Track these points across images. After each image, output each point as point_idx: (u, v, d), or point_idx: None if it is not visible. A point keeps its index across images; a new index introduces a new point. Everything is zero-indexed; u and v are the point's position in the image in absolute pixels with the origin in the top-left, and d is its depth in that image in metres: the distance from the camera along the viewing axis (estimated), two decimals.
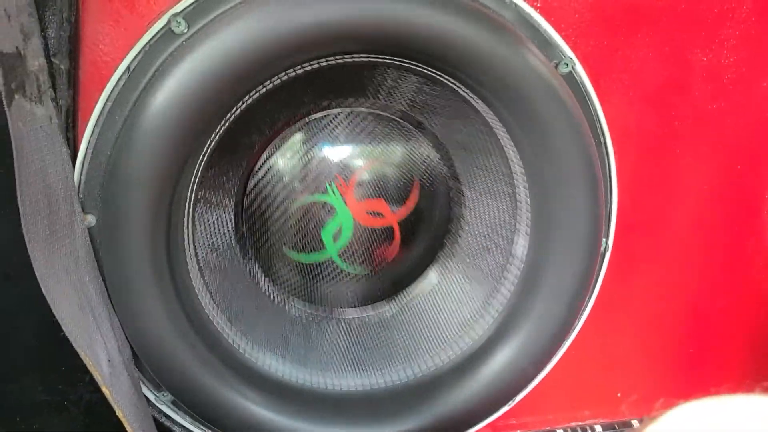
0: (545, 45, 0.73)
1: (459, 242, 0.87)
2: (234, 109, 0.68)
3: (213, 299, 0.77)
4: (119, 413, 0.67)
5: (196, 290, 0.74)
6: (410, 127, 0.83)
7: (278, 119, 0.78)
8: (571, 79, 0.75)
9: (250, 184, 0.80)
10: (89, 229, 0.67)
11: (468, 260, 0.86)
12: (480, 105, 0.73)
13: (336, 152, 0.81)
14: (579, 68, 0.76)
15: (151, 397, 0.76)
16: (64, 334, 0.63)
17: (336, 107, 0.80)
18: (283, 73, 0.67)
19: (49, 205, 0.62)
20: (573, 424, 1.01)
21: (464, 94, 0.72)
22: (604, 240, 0.82)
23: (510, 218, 0.80)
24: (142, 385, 0.75)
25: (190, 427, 0.79)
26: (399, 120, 0.82)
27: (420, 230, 0.86)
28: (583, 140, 0.71)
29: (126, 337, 0.69)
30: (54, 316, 0.62)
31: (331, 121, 0.80)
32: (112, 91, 0.65)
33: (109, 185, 0.64)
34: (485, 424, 0.82)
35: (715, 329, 1.01)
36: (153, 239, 0.65)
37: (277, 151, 0.80)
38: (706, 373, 1.04)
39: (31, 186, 0.60)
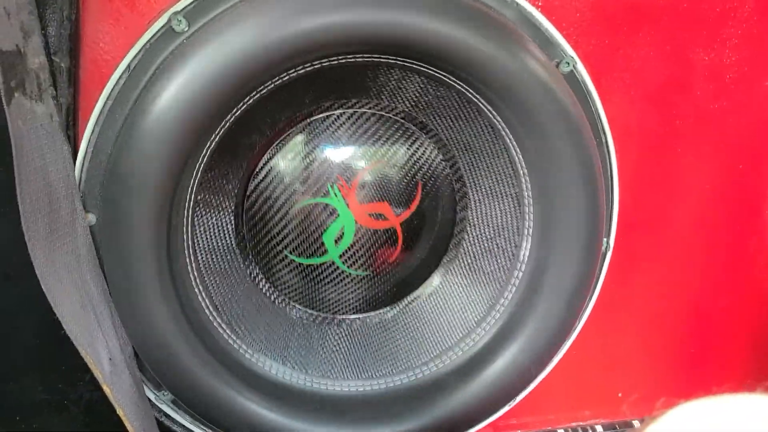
0: (546, 44, 0.73)
1: (462, 244, 0.86)
2: (235, 109, 0.68)
3: (213, 301, 0.76)
4: (120, 412, 0.67)
5: (196, 292, 0.74)
6: (414, 128, 0.82)
7: (279, 120, 0.78)
8: (572, 78, 0.75)
9: (251, 186, 0.79)
10: (90, 227, 0.67)
11: (471, 262, 0.86)
12: (484, 105, 0.72)
13: (338, 154, 0.81)
14: (580, 67, 0.76)
15: (152, 397, 0.76)
16: (64, 334, 0.63)
17: (338, 108, 0.79)
18: (285, 73, 0.67)
19: (49, 203, 0.62)
20: (574, 424, 1.00)
21: (468, 95, 0.72)
22: (605, 240, 0.82)
23: (514, 220, 0.80)
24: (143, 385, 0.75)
25: (191, 427, 0.79)
26: (402, 121, 0.82)
27: (423, 232, 0.86)
28: (584, 140, 0.71)
29: (127, 335, 0.69)
30: (54, 315, 0.62)
31: (333, 122, 0.80)
32: (112, 89, 0.65)
33: (110, 184, 0.64)
34: (486, 424, 0.82)
35: (716, 329, 1.01)
36: (153, 238, 0.65)
37: (279, 152, 0.79)
38: (707, 372, 1.04)
39: (31, 184, 0.60)
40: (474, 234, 0.85)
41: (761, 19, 0.81)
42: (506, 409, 0.82)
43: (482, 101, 0.71)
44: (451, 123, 0.80)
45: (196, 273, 0.74)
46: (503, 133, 0.74)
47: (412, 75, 0.74)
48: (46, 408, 0.79)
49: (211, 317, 0.75)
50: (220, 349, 0.74)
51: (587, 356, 0.95)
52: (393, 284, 0.87)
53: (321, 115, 0.79)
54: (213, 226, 0.78)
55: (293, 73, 0.67)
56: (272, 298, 0.85)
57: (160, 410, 0.78)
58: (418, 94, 0.77)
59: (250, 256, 0.82)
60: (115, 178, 0.63)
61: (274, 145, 0.79)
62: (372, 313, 0.88)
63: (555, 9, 0.75)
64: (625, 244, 0.88)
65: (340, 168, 0.80)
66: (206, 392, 0.71)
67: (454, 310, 0.85)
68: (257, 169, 0.79)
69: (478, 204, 0.84)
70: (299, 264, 0.83)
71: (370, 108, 0.80)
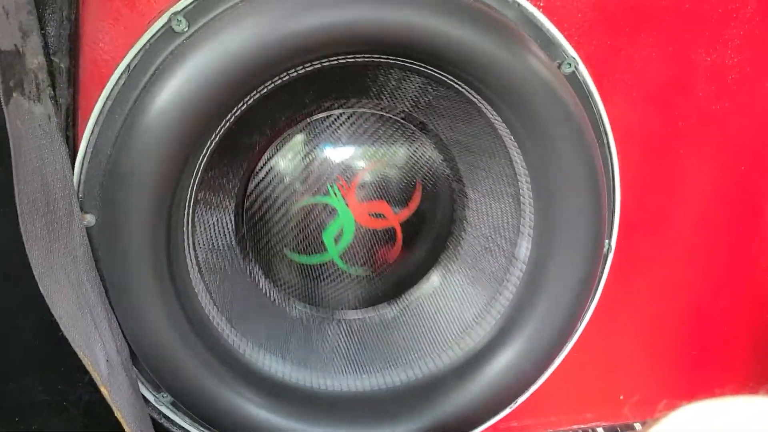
0: (548, 45, 0.73)
1: (461, 244, 0.86)
2: (235, 109, 0.68)
3: (213, 300, 0.76)
4: (117, 413, 0.67)
5: (196, 291, 0.74)
6: (413, 128, 0.82)
7: (279, 120, 0.78)
8: (574, 79, 0.75)
9: (251, 185, 0.80)
10: (89, 228, 0.67)
11: (470, 262, 0.86)
12: (484, 106, 0.72)
13: (338, 153, 0.81)
14: (582, 68, 0.75)
15: (151, 398, 0.76)
16: (63, 334, 0.63)
17: (338, 108, 0.79)
18: (285, 74, 0.67)
19: (47, 204, 0.62)
20: (575, 426, 1.00)
21: (468, 95, 0.72)
22: (606, 241, 0.82)
23: (513, 220, 0.80)
24: (141, 386, 0.74)
25: (190, 429, 0.79)
26: (402, 121, 0.82)
27: (422, 232, 0.86)
28: (586, 141, 0.71)
29: (124, 337, 0.69)
30: (53, 315, 0.62)
31: (333, 122, 0.80)
32: (112, 89, 0.65)
33: (109, 185, 0.64)
34: (487, 427, 0.82)
35: (718, 330, 1.01)
36: (153, 239, 0.65)
37: (279, 152, 0.79)
38: (709, 374, 1.04)
39: (28, 185, 0.60)
40: (473, 233, 0.85)
41: (763, 20, 0.81)
42: (507, 411, 0.82)
43: (482, 102, 0.71)
44: (450, 123, 0.80)
45: (195, 272, 0.74)
46: (503, 133, 0.74)
47: (412, 75, 0.74)
48: (46, 408, 0.79)
49: (210, 317, 0.75)
50: (219, 348, 0.74)
51: (589, 358, 0.95)
52: (392, 283, 0.87)
53: (321, 115, 0.79)
54: (213, 224, 0.78)
55: (293, 73, 0.67)
56: (272, 296, 0.85)
57: (159, 412, 0.78)
58: (417, 95, 0.77)
59: (250, 255, 0.82)
60: (115, 179, 0.63)
61: (275, 144, 0.79)
62: (371, 312, 0.88)
63: (557, 9, 0.75)
64: (626, 246, 0.88)
65: (340, 168, 0.80)
66: (205, 393, 0.71)
67: (453, 309, 0.85)
68: (257, 169, 0.79)
69: (477, 204, 0.84)
70: (299, 263, 0.83)
71: (370, 108, 0.80)
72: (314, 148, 0.80)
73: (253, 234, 0.81)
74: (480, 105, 0.72)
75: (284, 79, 0.67)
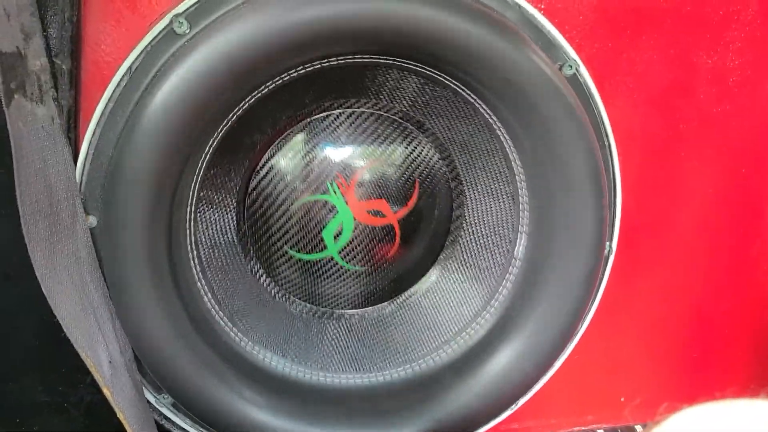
0: (549, 46, 0.73)
1: (459, 241, 0.87)
2: (235, 109, 0.68)
3: (215, 297, 0.77)
4: (120, 415, 0.67)
5: (198, 288, 0.74)
6: (411, 127, 0.83)
7: (280, 119, 0.78)
8: (575, 81, 0.75)
9: (252, 184, 0.80)
10: (91, 230, 0.67)
11: (468, 259, 0.86)
12: (481, 106, 0.72)
13: (337, 152, 0.81)
14: (583, 70, 0.75)
15: (152, 400, 0.76)
16: (64, 335, 0.63)
17: (338, 108, 0.80)
18: (285, 74, 0.67)
19: (50, 205, 0.62)
20: (576, 428, 1.00)
21: (466, 95, 0.72)
22: (607, 243, 0.82)
23: (510, 218, 0.80)
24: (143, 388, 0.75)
25: (191, 430, 0.79)
26: (400, 120, 0.82)
27: (420, 229, 0.86)
28: (587, 143, 0.71)
29: (128, 337, 0.69)
30: (54, 316, 0.62)
31: (332, 122, 0.80)
32: (113, 91, 0.65)
33: (111, 186, 0.64)
34: (488, 428, 0.82)
35: (719, 333, 1.01)
36: (154, 240, 0.65)
37: (279, 150, 0.80)
38: (710, 377, 1.04)
39: (31, 186, 0.60)
40: (471, 231, 0.86)
41: (764, 22, 0.81)
42: (508, 413, 0.82)
43: (480, 102, 0.71)
44: (448, 122, 0.80)
45: (197, 270, 0.75)
46: (499, 132, 0.74)
47: (410, 75, 0.74)
48: (46, 409, 0.79)
49: (212, 314, 0.76)
50: (221, 343, 0.75)
51: (589, 360, 0.95)
52: (391, 280, 0.87)
53: (321, 115, 0.80)
54: (215, 222, 0.79)
55: (294, 73, 0.67)
56: (272, 292, 0.86)
57: (160, 413, 0.78)
58: (415, 94, 0.78)
59: (251, 252, 0.83)
60: (116, 180, 0.63)
61: (275, 143, 0.80)
62: (370, 308, 0.89)
63: (558, 11, 0.75)
64: (628, 248, 0.87)
65: (340, 166, 0.81)
66: (206, 395, 0.71)
67: (451, 306, 0.85)
68: (259, 167, 0.80)
69: (474, 202, 0.85)
70: (299, 259, 0.84)
71: (368, 108, 0.80)
72: (314, 147, 0.80)
73: (254, 231, 0.82)
74: (477, 105, 0.72)
75: (285, 79, 0.68)
